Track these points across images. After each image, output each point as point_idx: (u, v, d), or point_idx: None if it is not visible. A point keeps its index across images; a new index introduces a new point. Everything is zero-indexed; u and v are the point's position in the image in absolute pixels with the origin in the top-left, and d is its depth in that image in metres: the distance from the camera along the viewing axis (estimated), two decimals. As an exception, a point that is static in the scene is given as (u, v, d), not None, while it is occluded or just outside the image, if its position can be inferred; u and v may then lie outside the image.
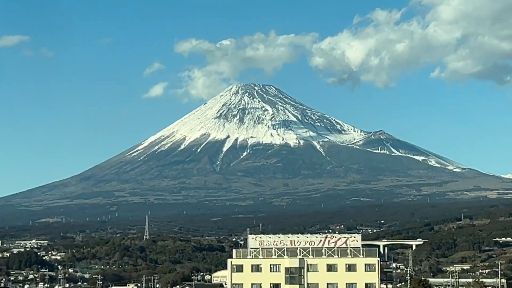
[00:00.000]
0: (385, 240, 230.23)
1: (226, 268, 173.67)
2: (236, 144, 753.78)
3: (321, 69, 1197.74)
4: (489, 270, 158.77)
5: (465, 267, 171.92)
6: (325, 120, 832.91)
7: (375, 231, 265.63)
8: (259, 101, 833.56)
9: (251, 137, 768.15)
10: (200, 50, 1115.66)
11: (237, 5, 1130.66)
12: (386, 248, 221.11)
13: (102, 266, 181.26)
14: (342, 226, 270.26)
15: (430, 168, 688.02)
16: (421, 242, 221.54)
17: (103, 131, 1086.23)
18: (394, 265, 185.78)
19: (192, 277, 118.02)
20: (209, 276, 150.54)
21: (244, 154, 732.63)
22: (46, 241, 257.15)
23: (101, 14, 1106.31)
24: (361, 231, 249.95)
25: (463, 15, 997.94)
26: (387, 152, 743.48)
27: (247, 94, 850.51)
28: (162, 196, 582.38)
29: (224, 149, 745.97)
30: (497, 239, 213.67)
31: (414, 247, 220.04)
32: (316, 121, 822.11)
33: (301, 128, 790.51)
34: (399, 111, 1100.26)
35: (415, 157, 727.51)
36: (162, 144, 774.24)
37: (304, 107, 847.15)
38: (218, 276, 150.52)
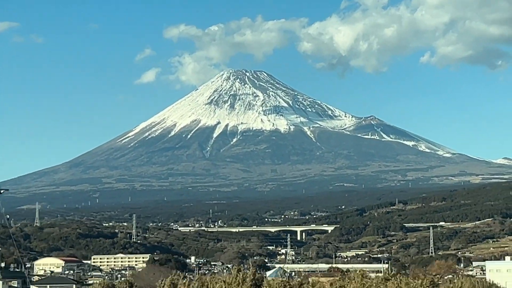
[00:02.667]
0: (300, 226, 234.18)
1: (101, 254, 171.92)
2: (227, 130, 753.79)
3: (310, 54, 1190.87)
4: (381, 255, 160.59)
5: (360, 252, 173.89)
6: (316, 106, 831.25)
7: (323, 215, 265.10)
8: (250, 87, 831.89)
9: (242, 123, 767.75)
10: (189, 36, 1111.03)
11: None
12: (303, 233, 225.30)
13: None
14: (296, 212, 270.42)
15: (420, 153, 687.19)
16: (332, 228, 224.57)
17: (95, 117, 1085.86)
18: (283, 250, 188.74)
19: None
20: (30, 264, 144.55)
21: (234, 140, 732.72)
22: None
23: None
24: (314, 216, 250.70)
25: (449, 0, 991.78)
26: (378, 138, 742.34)
27: (238, 80, 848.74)
28: (149, 182, 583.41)
29: (214, 135, 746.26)
30: (410, 224, 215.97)
31: (329, 232, 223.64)
32: (307, 107, 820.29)
33: (292, 114, 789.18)
34: (390, 96, 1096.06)
35: (405, 142, 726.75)
36: (153, 131, 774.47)
37: (296, 93, 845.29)
38: (40, 264, 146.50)
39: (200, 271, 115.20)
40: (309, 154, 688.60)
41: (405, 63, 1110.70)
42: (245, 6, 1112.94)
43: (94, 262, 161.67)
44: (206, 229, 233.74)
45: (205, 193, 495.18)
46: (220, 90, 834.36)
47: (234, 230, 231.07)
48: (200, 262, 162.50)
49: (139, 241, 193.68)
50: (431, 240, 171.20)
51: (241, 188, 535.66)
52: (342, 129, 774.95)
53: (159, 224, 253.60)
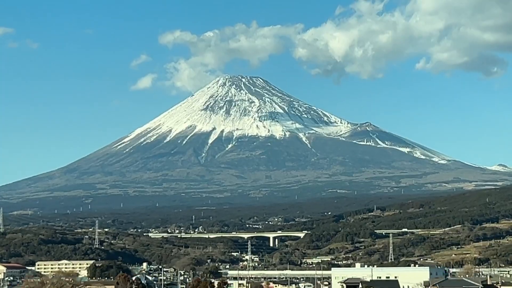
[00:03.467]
0: (274, 232, 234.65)
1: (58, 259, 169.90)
2: (222, 136, 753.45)
3: (305, 61, 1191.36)
4: (345, 261, 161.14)
5: (326, 259, 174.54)
6: (312, 112, 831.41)
7: (303, 221, 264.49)
8: (246, 93, 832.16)
9: (237, 129, 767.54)
10: (184, 42, 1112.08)
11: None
12: (276, 240, 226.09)
13: None
14: (280, 218, 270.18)
15: (415, 160, 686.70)
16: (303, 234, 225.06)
17: (90, 123, 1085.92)
18: (247, 257, 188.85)
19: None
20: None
21: (229, 146, 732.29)
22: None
23: (84, 5, 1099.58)
24: (298, 222, 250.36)
25: (443, 6, 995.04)
26: (373, 144, 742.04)
27: (234, 86, 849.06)
28: (142, 188, 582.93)
29: (210, 141, 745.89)
30: (382, 230, 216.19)
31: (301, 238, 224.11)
32: (303, 113, 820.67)
33: (287, 120, 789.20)
34: (386, 102, 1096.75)
35: (400, 149, 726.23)
36: (148, 136, 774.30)
37: (291, 99, 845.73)
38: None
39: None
40: (304, 160, 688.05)
41: (401, 69, 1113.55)
42: (240, 12, 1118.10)
43: (38, 268, 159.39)
44: (180, 235, 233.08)
45: (198, 199, 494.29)
46: (216, 96, 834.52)
47: (206, 236, 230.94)
48: (151, 269, 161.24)
49: (102, 247, 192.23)
50: (390, 247, 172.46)
51: (234, 194, 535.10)
52: (338, 136, 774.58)
53: (139, 230, 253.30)
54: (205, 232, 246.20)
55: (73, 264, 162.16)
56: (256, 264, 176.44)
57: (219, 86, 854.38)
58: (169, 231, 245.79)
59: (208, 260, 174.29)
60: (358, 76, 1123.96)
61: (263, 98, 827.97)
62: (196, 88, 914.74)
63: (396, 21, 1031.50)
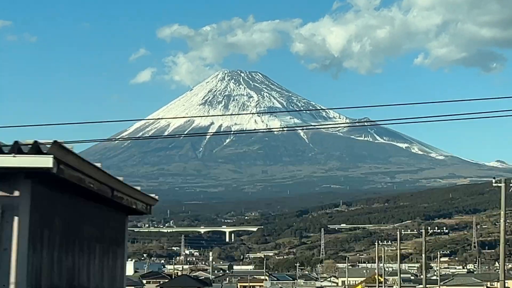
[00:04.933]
0: (230, 227, 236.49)
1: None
2: (220, 131, 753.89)
3: (303, 55, 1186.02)
4: (287, 256, 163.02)
5: (270, 254, 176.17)
6: (310, 107, 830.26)
7: (272, 214, 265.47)
8: (244, 88, 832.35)
9: (235, 124, 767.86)
10: (182, 36, 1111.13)
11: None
12: (232, 234, 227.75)
13: None
14: (257, 213, 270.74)
15: (412, 156, 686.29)
16: (255, 229, 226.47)
17: (89, 117, 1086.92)
18: (187, 251, 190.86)
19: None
20: None
21: (227, 141, 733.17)
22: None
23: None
24: (274, 216, 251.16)
25: (440, 1, 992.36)
26: (371, 139, 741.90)
27: (233, 80, 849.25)
28: (138, 182, 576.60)
29: (207, 135, 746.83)
30: (335, 226, 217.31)
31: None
32: (302, 108, 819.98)
33: (286, 115, 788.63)
34: (384, 98, 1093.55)
35: (398, 144, 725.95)
36: (147, 131, 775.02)
37: (290, 94, 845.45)
38: None
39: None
40: (302, 156, 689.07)
41: (399, 64, 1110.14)
42: (238, 6, 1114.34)
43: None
44: (139, 229, 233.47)
45: (191, 194, 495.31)
46: (215, 91, 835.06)
47: (165, 230, 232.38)
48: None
49: None
50: (322, 242, 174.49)
51: (228, 189, 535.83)
52: (336, 131, 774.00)
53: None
54: (174, 226, 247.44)
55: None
56: (194, 259, 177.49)
57: (218, 81, 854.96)
58: (139, 226, 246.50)
59: (145, 255, 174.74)
60: (356, 71, 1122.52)
61: (262, 93, 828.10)
62: (194, 82, 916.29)
63: (394, 16, 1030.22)
